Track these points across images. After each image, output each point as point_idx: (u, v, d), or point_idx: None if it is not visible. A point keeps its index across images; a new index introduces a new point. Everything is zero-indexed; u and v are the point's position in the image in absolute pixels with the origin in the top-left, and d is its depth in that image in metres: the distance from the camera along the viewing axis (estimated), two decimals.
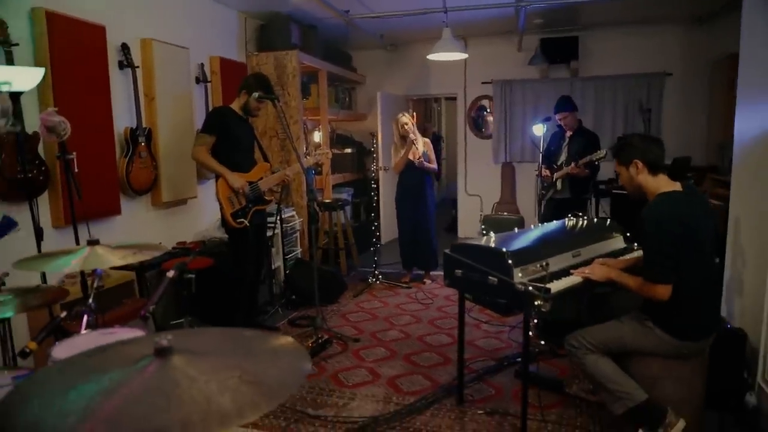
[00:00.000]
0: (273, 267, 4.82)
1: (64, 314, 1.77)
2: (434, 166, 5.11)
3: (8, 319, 1.94)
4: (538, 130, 4.87)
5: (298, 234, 5.41)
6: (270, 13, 5.52)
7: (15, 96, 2.52)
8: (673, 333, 2.28)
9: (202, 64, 4.80)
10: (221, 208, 3.64)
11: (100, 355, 1.21)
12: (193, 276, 2.92)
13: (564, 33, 6.56)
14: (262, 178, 3.79)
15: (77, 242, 2.61)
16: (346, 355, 3.61)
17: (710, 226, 2.37)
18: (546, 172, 4.81)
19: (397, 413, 2.82)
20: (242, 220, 3.62)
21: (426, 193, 5.10)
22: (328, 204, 5.73)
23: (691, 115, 6.39)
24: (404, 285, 5.19)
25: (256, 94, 3.66)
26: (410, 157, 4.94)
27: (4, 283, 1.91)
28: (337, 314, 4.43)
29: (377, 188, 6.02)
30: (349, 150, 7.22)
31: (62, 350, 1.60)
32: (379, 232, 5.77)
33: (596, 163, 4.47)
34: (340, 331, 3.98)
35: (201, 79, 4.77)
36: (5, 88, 2.26)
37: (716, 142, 5.70)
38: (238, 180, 3.59)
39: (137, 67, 3.91)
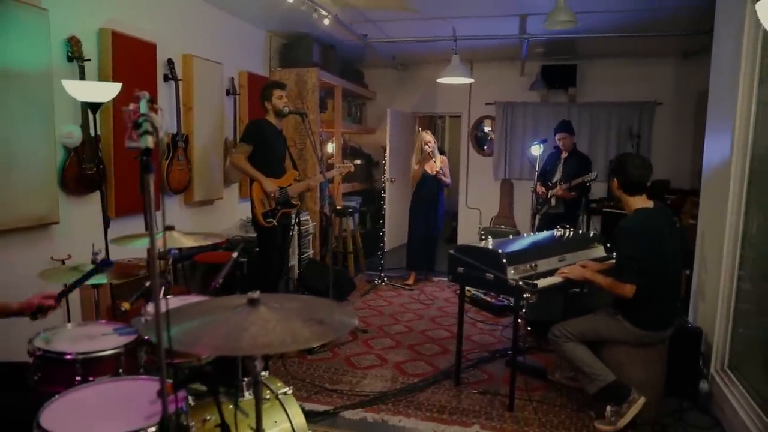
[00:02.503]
0: (288, 265, 5.27)
1: (148, 284, 2.22)
2: (448, 180, 5.70)
3: (100, 285, 2.38)
4: (536, 150, 5.37)
5: (311, 236, 5.87)
6: (294, 33, 6.02)
7: (94, 107, 2.99)
8: (638, 324, 2.74)
9: (232, 78, 5.28)
10: (253, 208, 4.09)
11: (205, 305, 1.67)
12: (245, 260, 3.38)
13: (563, 61, 7.07)
14: (291, 185, 4.25)
15: (146, 229, 3.07)
16: (356, 343, 4.06)
17: (674, 239, 2.84)
18: (542, 189, 5.28)
19: (402, 390, 3.27)
20: (271, 220, 4.07)
21: (438, 204, 5.69)
22: (340, 210, 6.19)
23: (679, 142, 6.88)
24: (407, 287, 5.64)
25: (275, 93, 4.13)
26: (428, 170, 5.48)
27: (96, 259, 2.35)
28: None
29: (384, 198, 6.48)
30: (358, 161, 7.70)
31: (152, 308, 2.05)
32: (385, 238, 6.24)
33: (587, 184, 4.95)
34: None
35: (231, 92, 5.25)
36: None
37: (699, 168, 6.18)
38: (270, 185, 4.05)
39: (180, 79, 4.40)
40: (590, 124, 7.14)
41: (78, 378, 1.81)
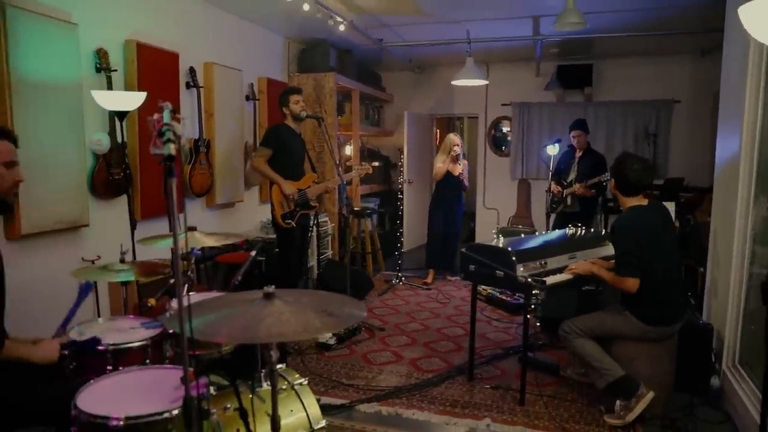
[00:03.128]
0: (307, 266, 5.41)
1: (172, 281, 2.36)
2: (468, 184, 5.89)
3: (128, 283, 2.53)
4: (551, 150, 5.42)
5: (329, 237, 6.00)
6: (311, 39, 6.16)
7: (121, 115, 3.16)
8: (643, 319, 2.80)
9: (252, 84, 5.44)
10: (272, 210, 4.23)
11: (224, 299, 1.79)
12: (263, 259, 3.53)
13: (579, 61, 7.09)
14: (309, 187, 4.38)
15: (170, 230, 3.23)
16: (373, 341, 4.17)
17: (669, 233, 2.91)
18: (557, 188, 5.33)
19: (417, 385, 3.37)
20: (290, 221, 4.20)
21: (458, 204, 5.87)
22: (357, 212, 6.31)
23: (697, 139, 6.83)
24: (425, 286, 5.74)
25: (292, 98, 4.26)
26: (452, 171, 5.67)
27: (124, 258, 2.50)
28: (365, 308, 4.98)
29: (402, 199, 6.58)
30: (376, 163, 7.81)
31: (175, 303, 2.19)
32: (402, 239, 6.34)
33: (604, 183, 4.98)
34: (367, 321, 4.54)
35: (250, 97, 5.41)
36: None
37: None
38: (289, 187, 4.18)
39: (201, 87, 4.57)
40: (606, 124, 7.14)
41: (109, 367, 1.95)
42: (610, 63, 7.12)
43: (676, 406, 3.02)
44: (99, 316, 3.23)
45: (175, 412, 1.55)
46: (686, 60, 6.83)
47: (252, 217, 5.46)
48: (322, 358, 3.81)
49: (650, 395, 2.76)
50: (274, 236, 4.61)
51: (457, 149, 5.66)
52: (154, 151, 1.30)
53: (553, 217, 5.48)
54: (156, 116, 1.48)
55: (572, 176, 5.30)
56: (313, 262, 5.58)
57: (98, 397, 1.63)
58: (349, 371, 3.58)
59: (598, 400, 3.07)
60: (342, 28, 4.97)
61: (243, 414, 1.62)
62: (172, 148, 1.24)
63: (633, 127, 7.05)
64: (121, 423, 1.50)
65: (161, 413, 1.54)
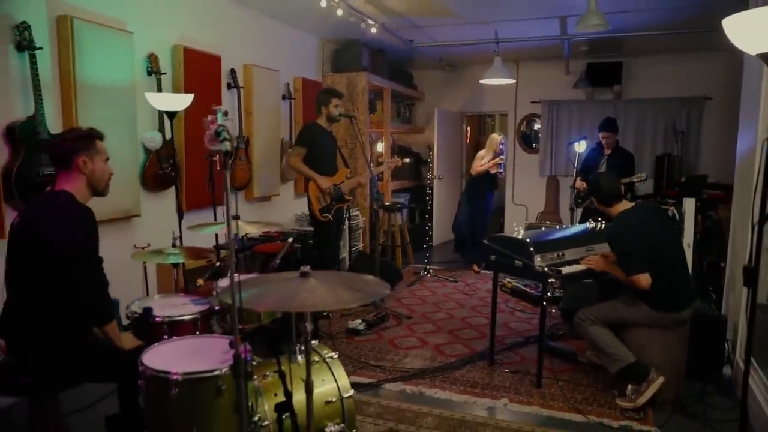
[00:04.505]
0: (340, 257, 5.67)
1: (218, 264, 2.65)
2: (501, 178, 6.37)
3: (179, 264, 2.82)
4: (578, 147, 5.54)
5: (360, 231, 6.25)
6: (345, 40, 6.42)
7: (171, 115, 3.47)
8: (655, 307, 2.95)
9: (288, 84, 5.73)
10: (310, 204, 4.46)
11: (266, 277, 2.05)
12: (299, 246, 3.82)
13: (609, 59, 7.14)
14: (343, 181, 4.61)
15: (215, 219, 3.55)
16: (400, 327, 4.40)
17: (663, 224, 3.10)
18: (583, 185, 5.44)
19: (440, 368, 3.58)
20: (327, 215, 4.44)
21: (489, 198, 6.27)
22: (388, 206, 6.54)
23: (727, 136, 6.79)
24: (451, 279, 5.94)
25: (333, 101, 4.48)
26: (490, 168, 6.01)
27: (175, 243, 2.80)
28: (393, 298, 5.22)
29: (432, 194, 6.79)
30: (407, 160, 8.03)
31: (223, 283, 2.47)
32: (431, 233, 6.55)
33: (637, 183, 5.08)
34: (395, 310, 4.77)
35: (287, 96, 5.70)
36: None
37: None
38: (325, 182, 4.43)
39: (241, 87, 4.87)
40: (636, 121, 7.17)
41: (165, 336, 2.24)
42: (640, 60, 7.14)
43: (689, 393, 3.15)
44: (147, 294, 3.57)
45: (224, 370, 1.81)
46: (718, 56, 6.79)
47: (287, 210, 5.76)
48: (351, 341, 4.06)
49: (660, 380, 2.91)
50: (309, 228, 4.88)
51: (501, 146, 6.03)
52: (212, 148, 1.55)
53: (579, 212, 5.60)
54: (210, 117, 1.75)
55: None
56: (344, 254, 5.84)
57: (159, 357, 1.91)
58: (377, 354, 3.83)
59: (612, 386, 3.22)
60: (374, 30, 5.20)
61: (282, 375, 1.87)
62: (228, 145, 1.48)
63: (663, 125, 7.07)
64: (180, 377, 1.77)
65: (212, 371, 1.81)
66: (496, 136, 6.10)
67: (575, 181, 5.47)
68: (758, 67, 3.31)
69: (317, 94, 4.78)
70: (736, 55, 6.62)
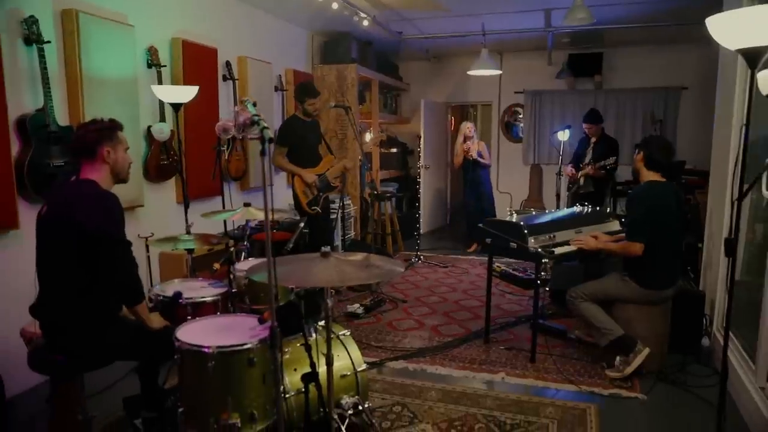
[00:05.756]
0: (333, 245, 5.80)
1: (233, 248, 2.77)
2: (487, 161, 6.67)
3: (192, 250, 2.94)
4: (562, 136, 5.76)
5: (352, 220, 6.40)
6: (334, 32, 6.52)
7: (176, 107, 3.56)
8: (643, 284, 3.17)
9: (280, 76, 5.83)
10: (296, 198, 4.48)
11: (288, 258, 2.19)
12: (308, 231, 3.96)
13: (590, 50, 7.38)
14: (328, 170, 4.67)
15: (223, 206, 3.66)
16: (397, 311, 4.57)
17: (676, 209, 3.24)
18: (572, 171, 5.67)
19: (438, 346, 3.77)
20: (315, 207, 4.53)
21: (482, 182, 6.68)
22: (378, 195, 6.69)
23: (703, 125, 7.09)
24: (442, 265, 6.13)
25: (307, 101, 4.44)
26: (466, 154, 6.46)
27: (189, 230, 2.92)
28: (387, 284, 5.38)
29: (419, 183, 6.95)
30: (394, 150, 8.18)
31: (241, 266, 2.61)
32: (420, 221, 6.73)
33: (607, 167, 5.32)
34: (391, 294, 4.94)
35: (279, 88, 5.79)
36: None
37: None
38: (310, 176, 4.45)
39: (236, 79, 4.95)
40: (616, 110, 7.44)
41: (189, 317, 2.37)
42: (620, 52, 7.40)
43: (671, 363, 3.38)
44: (151, 282, 3.68)
45: (255, 343, 1.95)
46: (694, 48, 7.07)
47: (281, 199, 5.87)
48: (351, 324, 4.21)
49: (646, 351, 3.13)
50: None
51: (468, 132, 6.42)
52: (250, 136, 1.68)
53: (566, 197, 5.84)
54: (238, 107, 1.87)
55: (587, 160, 5.64)
56: (338, 242, 5.98)
57: (192, 334, 2.04)
58: (377, 336, 3.99)
59: (601, 358, 3.44)
60: (366, 23, 5.33)
61: (308, 348, 2.02)
62: (270, 132, 1.60)
63: (641, 113, 7.34)
64: (213, 351, 1.91)
65: (243, 344, 1.95)
66: (464, 124, 6.59)
67: (560, 168, 5.68)
68: (733, 60, 3.53)
69: (295, 87, 4.80)
70: (711, 47, 6.95)
